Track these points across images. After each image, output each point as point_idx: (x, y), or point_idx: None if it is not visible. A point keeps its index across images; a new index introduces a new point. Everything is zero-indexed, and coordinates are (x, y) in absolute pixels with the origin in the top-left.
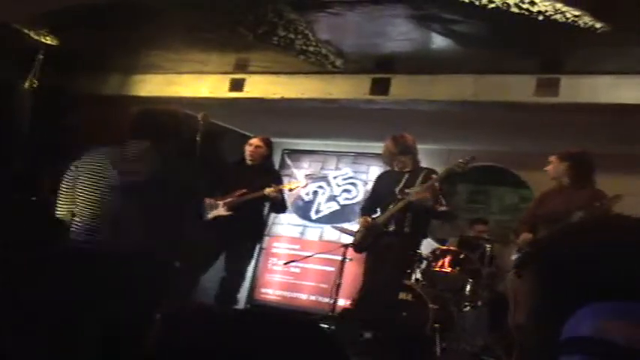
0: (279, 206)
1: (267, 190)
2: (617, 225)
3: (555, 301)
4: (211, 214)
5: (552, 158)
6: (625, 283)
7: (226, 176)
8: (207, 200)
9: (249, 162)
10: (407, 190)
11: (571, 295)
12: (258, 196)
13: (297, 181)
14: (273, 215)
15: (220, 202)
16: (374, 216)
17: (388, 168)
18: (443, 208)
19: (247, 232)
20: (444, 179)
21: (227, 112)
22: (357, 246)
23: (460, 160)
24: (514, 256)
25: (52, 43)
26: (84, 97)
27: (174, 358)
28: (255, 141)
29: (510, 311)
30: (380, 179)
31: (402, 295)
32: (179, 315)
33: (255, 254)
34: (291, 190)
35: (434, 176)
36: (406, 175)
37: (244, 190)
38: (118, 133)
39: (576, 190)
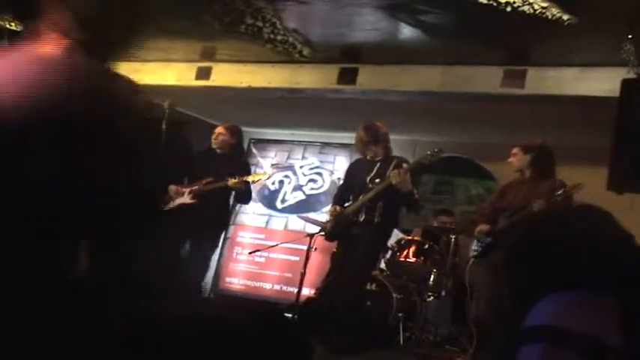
0: (243, 197)
1: (231, 182)
2: (576, 215)
3: (517, 291)
4: (176, 202)
5: (515, 150)
6: (584, 272)
7: (193, 164)
8: (173, 187)
9: (217, 151)
10: (388, 173)
11: (532, 285)
12: (221, 185)
13: (261, 173)
14: (238, 204)
15: (186, 190)
16: (346, 205)
17: (359, 156)
18: (415, 196)
19: (212, 221)
20: (413, 171)
21: (193, 100)
22: (328, 235)
23: (428, 152)
24: (473, 247)
25: (15, 29)
26: None
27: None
28: (219, 129)
29: (469, 302)
30: (351, 168)
31: (367, 285)
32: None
33: (220, 243)
34: (254, 181)
35: (404, 165)
36: (378, 164)
37: (210, 179)
38: None
39: (538, 181)
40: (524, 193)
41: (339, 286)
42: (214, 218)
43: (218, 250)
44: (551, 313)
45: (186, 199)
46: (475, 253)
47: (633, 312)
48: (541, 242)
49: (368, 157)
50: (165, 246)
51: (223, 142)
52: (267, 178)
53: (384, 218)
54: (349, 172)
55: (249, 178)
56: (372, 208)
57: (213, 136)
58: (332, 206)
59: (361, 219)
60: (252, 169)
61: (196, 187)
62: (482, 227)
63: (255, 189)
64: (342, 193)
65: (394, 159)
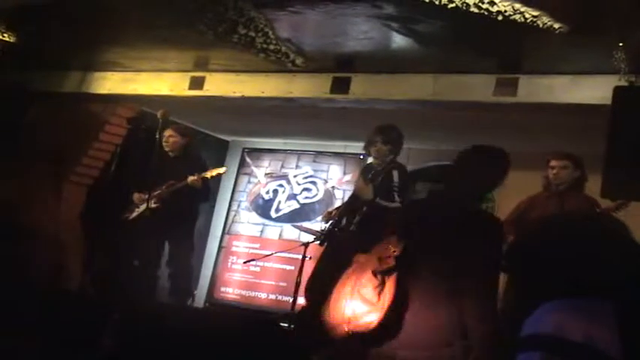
0: (201, 194)
1: (190, 179)
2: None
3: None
4: (141, 208)
5: (564, 163)
6: (583, 281)
7: (152, 170)
8: (137, 195)
9: (170, 154)
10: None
11: (531, 292)
12: (182, 185)
13: (218, 169)
14: (232, 214)
15: (146, 196)
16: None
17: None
18: (386, 203)
19: (180, 224)
20: (374, 179)
21: (187, 110)
22: (319, 239)
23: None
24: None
25: (10, 40)
26: (43, 95)
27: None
28: (168, 132)
29: None
30: (360, 172)
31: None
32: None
33: (216, 251)
34: (212, 177)
35: (394, 172)
36: (373, 170)
37: (172, 182)
38: (76, 130)
39: (570, 195)
40: (555, 205)
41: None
42: (181, 221)
43: (212, 260)
44: (548, 321)
45: (150, 204)
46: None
47: (630, 320)
48: (541, 249)
49: (374, 163)
50: (142, 252)
51: (175, 144)
52: (224, 172)
53: (361, 228)
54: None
55: (207, 174)
56: (352, 216)
57: (164, 140)
58: (330, 209)
59: (341, 225)
60: (246, 178)
61: (159, 191)
62: (510, 237)
63: (249, 198)
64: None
65: (390, 165)
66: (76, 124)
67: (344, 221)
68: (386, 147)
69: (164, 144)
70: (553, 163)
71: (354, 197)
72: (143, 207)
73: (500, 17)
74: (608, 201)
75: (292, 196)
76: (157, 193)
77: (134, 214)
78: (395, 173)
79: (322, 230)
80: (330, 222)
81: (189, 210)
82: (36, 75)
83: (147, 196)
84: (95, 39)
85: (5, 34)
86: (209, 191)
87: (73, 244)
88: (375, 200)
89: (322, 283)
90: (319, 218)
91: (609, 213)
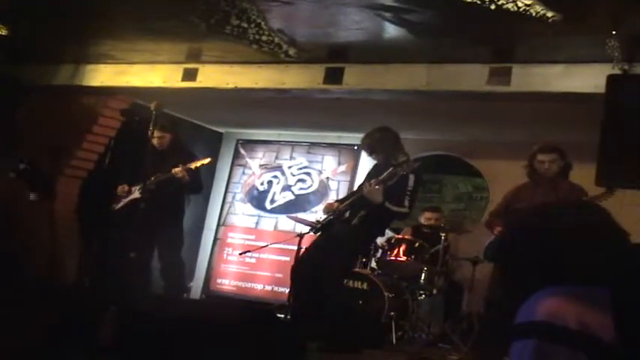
0: (191, 187)
1: (174, 171)
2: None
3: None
4: (127, 199)
5: (553, 157)
6: (577, 267)
7: (143, 162)
8: (120, 187)
9: (158, 148)
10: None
11: (525, 280)
12: (167, 177)
13: (202, 159)
14: (227, 205)
15: (135, 188)
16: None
17: None
18: (394, 207)
19: (166, 218)
20: (387, 181)
21: (180, 102)
22: (313, 227)
23: (402, 163)
24: (487, 246)
25: (2, 33)
26: (35, 88)
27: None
28: (156, 133)
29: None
30: (370, 171)
31: (358, 284)
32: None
33: (211, 243)
34: (196, 167)
35: (411, 177)
36: (390, 168)
37: (158, 174)
38: (69, 123)
39: (556, 182)
40: (543, 194)
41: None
42: (168, 213)
43: (208, 252)
44: (542, 308)
45: (136, 194)
46: (488, 253)
47: (625, 306)
48: (534, 237)
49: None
50: (135, 245)
51: (161, 140)
52: (209, 163)
53: (364, 224)
54: (367, 175)
55: (192, 165)
56: (356, 210)
57: (152, 137)
58: (331, 201)
59: (344, 217)
60: (241, 169)
61: (142, 184)
62: (499, 228)
63: (244, 190)
64: (352, 192)
65: (406, 167)
66: (69, 117)
67: (347, 214)
68: (381, 154)
69: (153, 140)
70: (541, 157)
71: (361, 196)
72: (130, 197)
73: (492, 6)
74: (597, 189)
75: (287, 187)
76: (140, 185)
77: (120, 205)
78: (411, 178)
79: (318, 221)
80: (332, 214)
81: (175, 204)
82: (28, 68)
83: (130, 188)
84: (87, 31)
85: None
86: (198, 183)
87: (68, 237)
88: (384, 204)
89: (307, 268)
90: (314, 209)
91: (594, 201)
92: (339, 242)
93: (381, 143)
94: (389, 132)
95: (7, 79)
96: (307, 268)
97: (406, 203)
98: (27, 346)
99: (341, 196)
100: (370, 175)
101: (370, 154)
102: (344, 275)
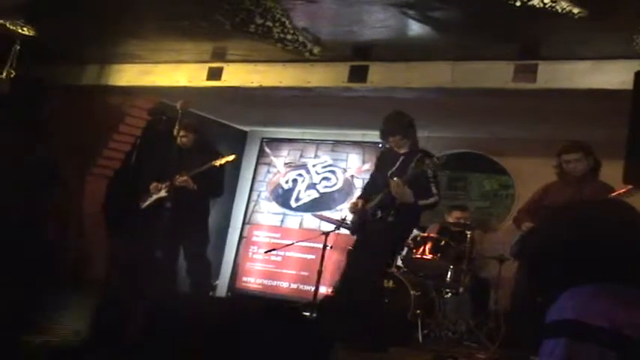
0: (212, 187)
1: (198, 170)
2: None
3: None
4: (154, 197)
5: (578, 156)
6: (606, 267)
7: (170, 160)
8: (154, 184)
9: (183, 147)
10: (394, 179)
11: (555, 278)
12: (192, 174)
13: (227, 157)
14: (252, 204)
15: (163, 185)
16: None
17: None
18: (426, 201)
19: (193, 215)
20: (415, 178)
21: (205, 101)
22: (350, 229)
23: (430, 160)
24: (514, 243)
25: (29, 34)
26: (62, 88)
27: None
28: (181, 132)
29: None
30: (378, 160)
31: (384, 282)
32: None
33: (237, 242)
34: (221, 165)
35: (427, 161)
36: (401, 158)
37: (184, 173)
38: (96, 122)
39: (585, 182)
40: (571, 193)
41: (349, 283)
42: (194, 213)
43: (234, 250)
44: (572, 306)
45: (162, 193)
46: (516, 250)
47: None
48: (563, 235)
49: (393, 149)
50: (162, 244)
51: (187, 140)
52: (234, 160)
53: (400, 218)
54: (376, 165)
55: (215, 163)
56: (388, 206)
57: (178, 137)
58: (355, 200)
59: (377, 216)
60: (266, 168)
61: (169, 182)
62: (529, 224)
63: (269, 188)
64: (368, 186)
65: (418, 154)
66: (96, 117)
67: (379, 213)
68: (398, 137)
69: (178, 140)
70: (566, 157)
71: (390, 196)
72: (156, 196)
73: (518, 3)
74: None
75: (312, 186)
76: (168, 184)
77: (147, 203)
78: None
79: (343, 219)
80: (358, 213)
81: (201, 203)
82: (54, 68)
83: (162, 186)
84: (113, 32)
85: (24, 28)
86: (219, 183)
87: (96, 235)
88: (417, 203)
89: (357, 271)
90: (339, 207)
91: (620, 198)
92: (377, 241)
93: (408, 130)
94: (409, 117)
95: (35, 79)
96: (349, 269)
97: (434, 191)
98: (56, 344)
99: None
100: (383, 163)
101: (396, 137)
102: (381, 274)
